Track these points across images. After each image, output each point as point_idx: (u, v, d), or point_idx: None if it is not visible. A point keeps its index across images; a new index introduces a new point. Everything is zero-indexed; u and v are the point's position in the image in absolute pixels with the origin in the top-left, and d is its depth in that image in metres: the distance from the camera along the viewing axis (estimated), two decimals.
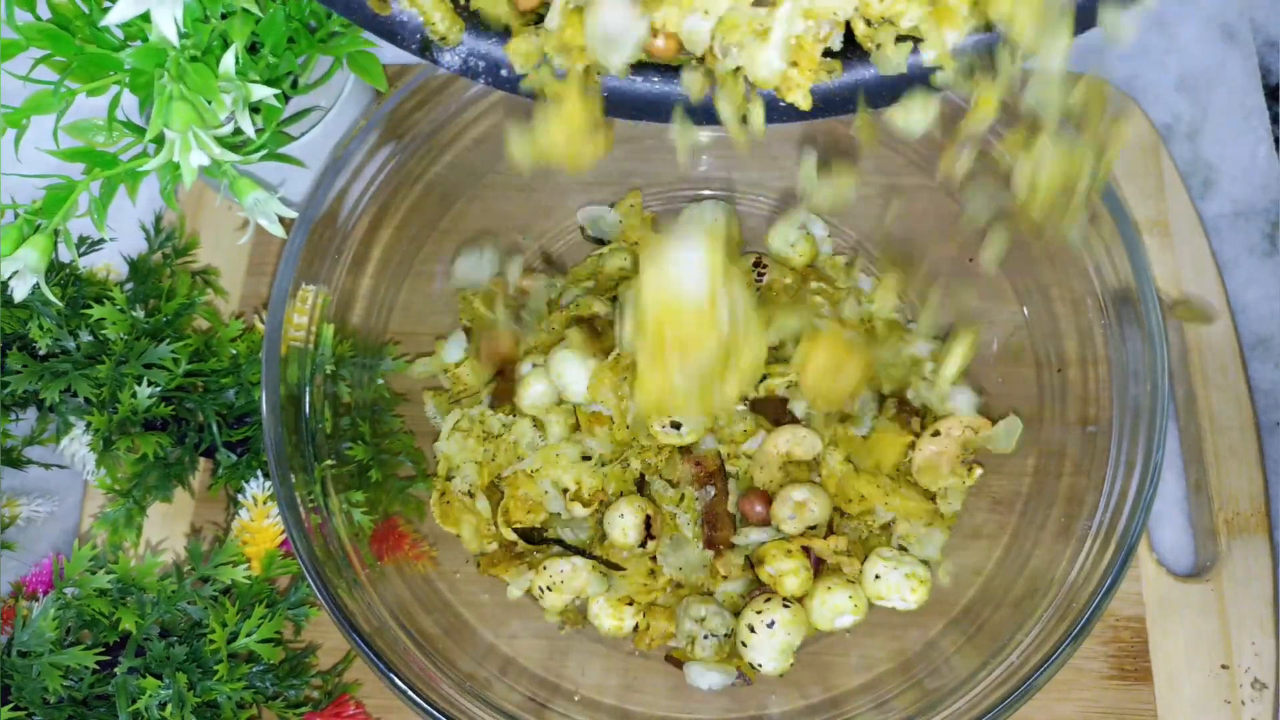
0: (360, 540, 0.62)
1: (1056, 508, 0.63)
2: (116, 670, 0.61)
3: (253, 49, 0.61)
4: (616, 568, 0.66)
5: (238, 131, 0.57)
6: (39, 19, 0.56)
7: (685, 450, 0.68)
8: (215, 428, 0.67)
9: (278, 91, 0.58)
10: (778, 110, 0.46)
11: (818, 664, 0.65)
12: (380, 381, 0.69)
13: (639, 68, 0.46)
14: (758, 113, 0.45)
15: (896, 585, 0.63)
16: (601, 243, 0.77)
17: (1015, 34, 0.40)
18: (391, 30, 0.46)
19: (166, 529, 0.71)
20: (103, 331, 0.66)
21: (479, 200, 0.75)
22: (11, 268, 0.57)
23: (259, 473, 0.67)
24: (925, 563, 0.65)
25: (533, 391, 0.68)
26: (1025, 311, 0.69)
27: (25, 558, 0.70)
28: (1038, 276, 0.68)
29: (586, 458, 0.66)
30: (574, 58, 0.44)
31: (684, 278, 0.48)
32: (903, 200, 0.73)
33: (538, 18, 0.44)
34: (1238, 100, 0.83)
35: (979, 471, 0.67)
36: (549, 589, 0.65)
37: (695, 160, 0.77)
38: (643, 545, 0.65)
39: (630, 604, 0.65)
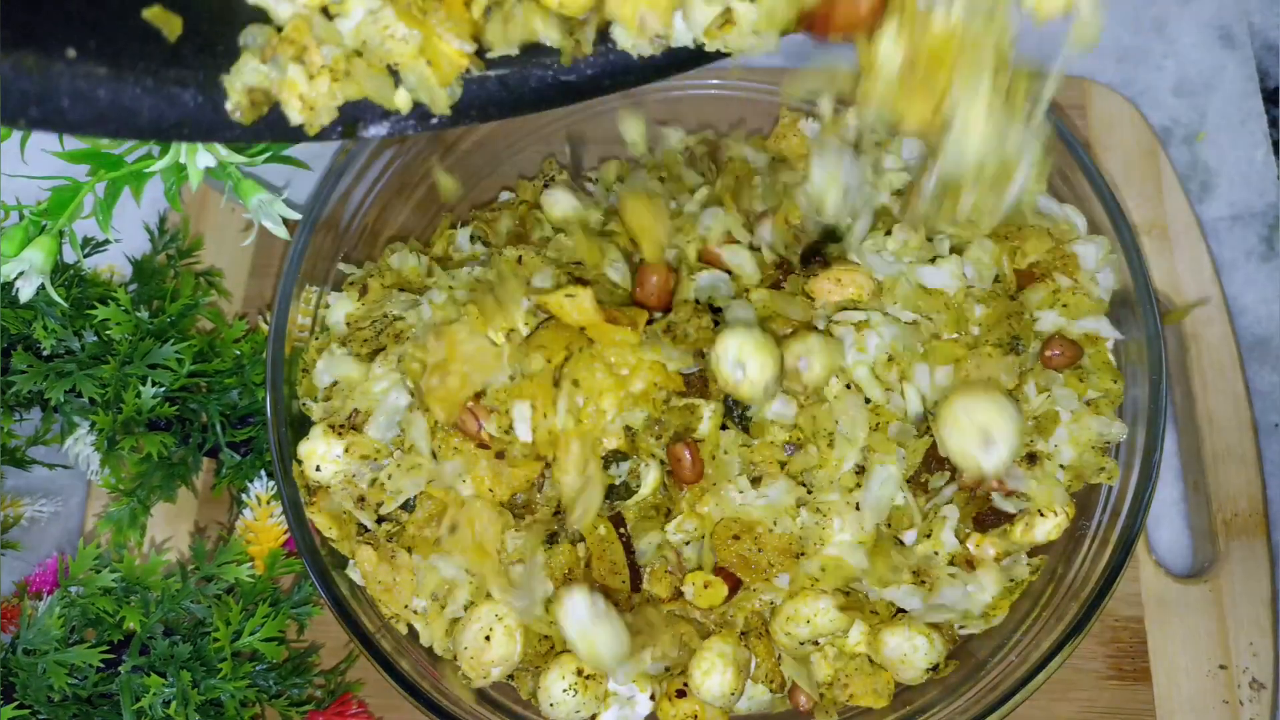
0: None
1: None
2: (121, 668, 0.61)
3: None
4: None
5: None
6: None
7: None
8: (219, 428, 0.68)
9: None
10: None
11: None
12: None
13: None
14: None
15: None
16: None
17: None
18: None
19: (170, 528, 0.71)
20: (107, 332, 0.66)
21: (478, 202, 0.76)
22: (17, 268, 0.58)
23: (262, 473, 0.68)
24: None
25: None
26: None
27: (29, 557, 0.71)
28: None
29: None
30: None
31: None
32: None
33: None
34: (1236, 104, 0.84)
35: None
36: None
37: None
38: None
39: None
